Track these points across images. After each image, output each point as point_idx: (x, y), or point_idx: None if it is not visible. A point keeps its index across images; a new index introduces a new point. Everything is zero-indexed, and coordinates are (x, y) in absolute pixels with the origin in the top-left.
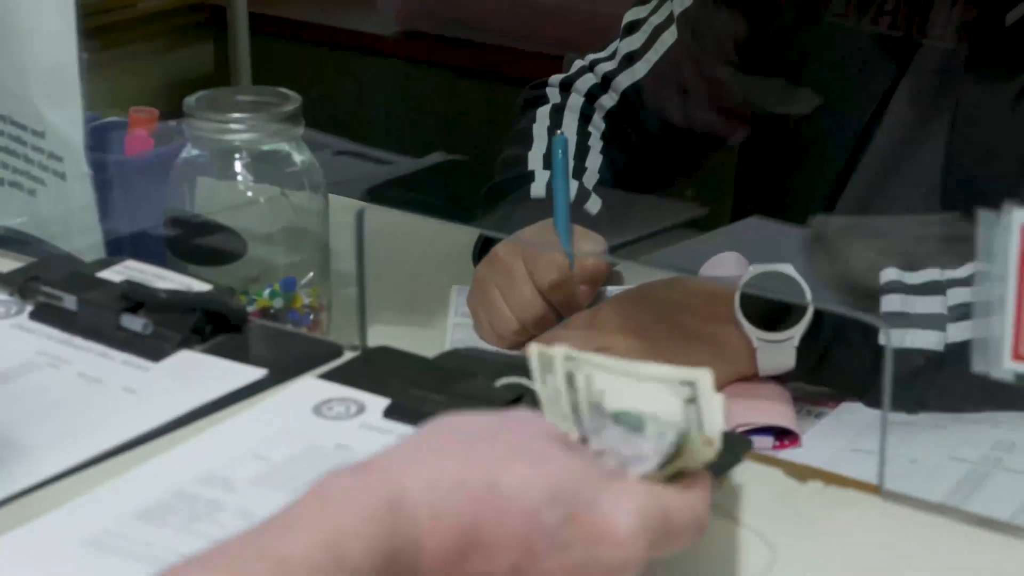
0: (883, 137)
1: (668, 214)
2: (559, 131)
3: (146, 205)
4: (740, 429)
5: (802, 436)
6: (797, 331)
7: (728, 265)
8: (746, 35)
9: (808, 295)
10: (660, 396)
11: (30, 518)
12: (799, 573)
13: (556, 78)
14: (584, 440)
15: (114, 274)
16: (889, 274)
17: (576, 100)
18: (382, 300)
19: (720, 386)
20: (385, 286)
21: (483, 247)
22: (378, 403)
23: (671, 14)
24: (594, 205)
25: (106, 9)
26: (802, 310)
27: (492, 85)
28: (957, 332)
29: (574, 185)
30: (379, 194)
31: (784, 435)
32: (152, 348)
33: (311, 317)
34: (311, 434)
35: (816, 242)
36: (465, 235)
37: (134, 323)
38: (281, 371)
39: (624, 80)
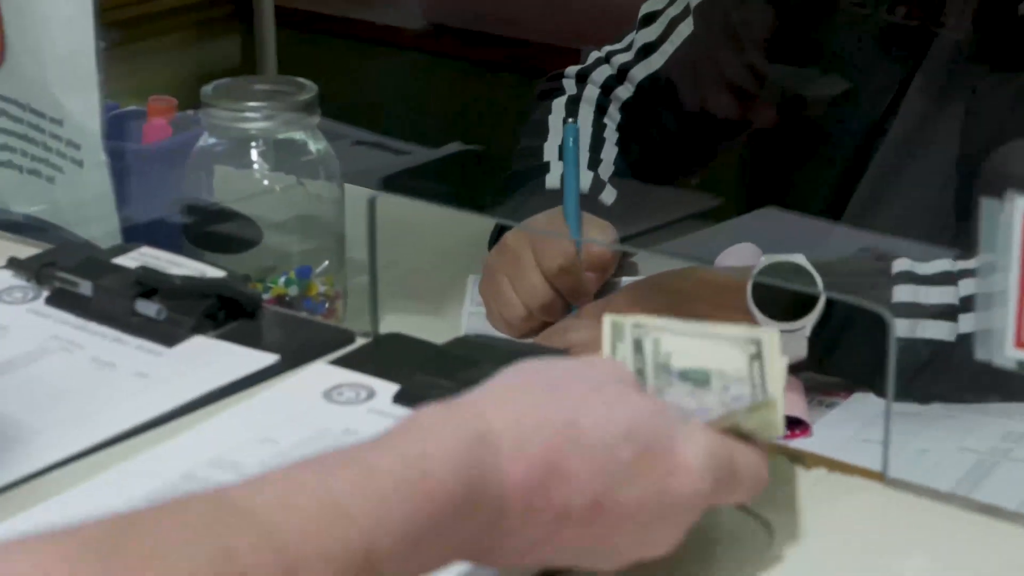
0: (898, 128)
1: (682, 205)
2: (571, 120)
3: (163, 193)
4: None
5: (813, 426)
6: (809, 321)
7: (744, 256)
8: (762, 26)
9: (820, 285)
10: (726, 353)
11: (41, 500)
12: (799, 555)
13: (572, 69)
14: None
15: (129, 260)
16: (901, 264)
17: (592, 91)
18: (399, 289)
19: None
20: (402, 275)
21: (498, 236)
22: (388, 389)
23: (687, 6)
24: (609, 195)
25: (133, 2)
26: (814, 300)
27: (516, 78)
28: (968, 323)
29: (589, 176)
30: (394, 183)
31: (795, 425)
32: (166, 333)
33: (326, 305)
34: (320, 419)
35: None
36: (482, 225)
37: (148, 308)
38: (293, 357)
39: (640, 72)
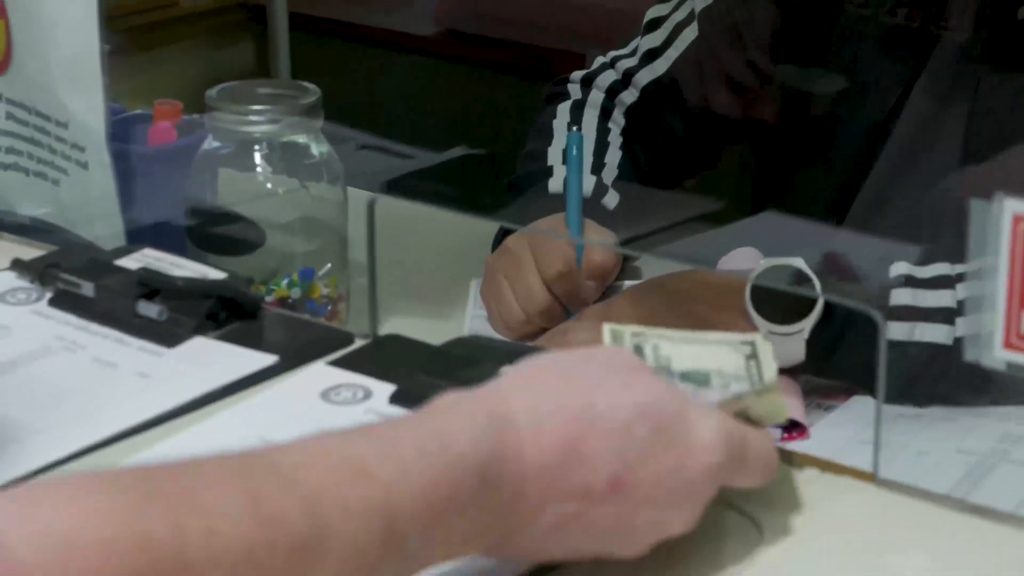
0: (902, 130)
1: (685, 208)
2: (575, 128)
3: (167, 196)
4: None
5: (811, 428)
6: (807, 324)
7: (745, 260)
8: (766, 30)
9: (818, 288)
10: (723, 354)
11: None
12: (787, 554)
13: (578, 74)
14: None
15: (132, 262)
16: (899, 268)
17: (597, 96)
18: (402, 292)
19: None
20: (405, 278)
21: (502, 240)
22: (385, 389)
23: (692, 11)
24: (612, 200)
25: (149, 8)
26: (812, 303)
27: (528, 83)
28: (965, 326)
29: (592, 180)
30: (398, 186)
31: (793, 427)
32: (167, 334)
33: (329, 307)
34: (318, 419)
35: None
36: (486, 229)
37: (150, 310)
38: (292, 358)
39: (644, 76)
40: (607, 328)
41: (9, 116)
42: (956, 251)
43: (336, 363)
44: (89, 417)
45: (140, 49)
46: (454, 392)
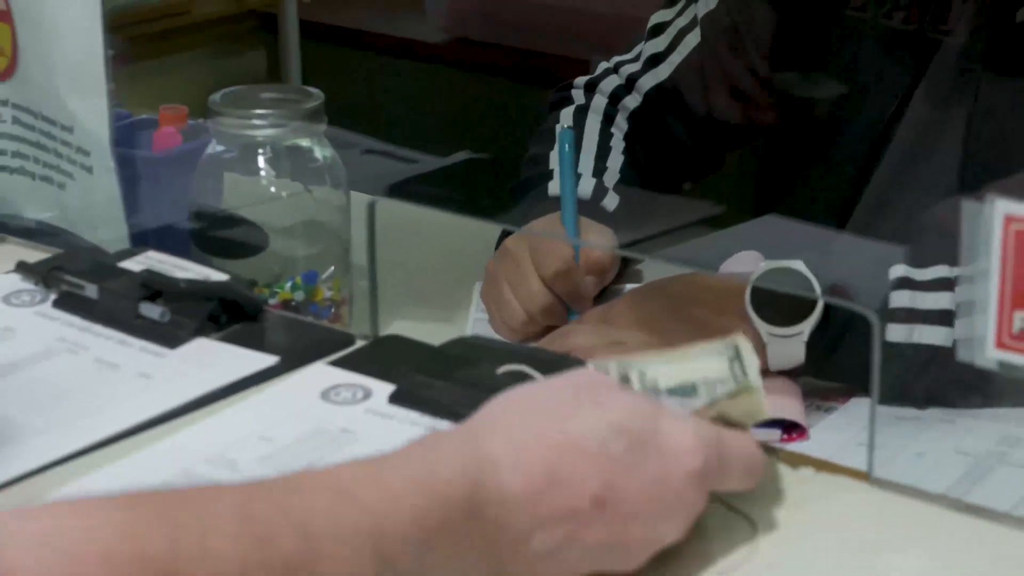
0: (903, 134)
1: (685, 211)
2: (566, 126)
3: (172, 200)
4: None
5: (810, 430)
6: (806, 326)
7: (747, 263)
8: (768, 35)
9: (818, 290)
10: (706, 363)
11: (39, 497)
12: (782, 552)
13: (581, 80)
14: None
15: (135, 264)
16: (898, 270)
17: (600, 101)
18: (406, 295)
19: None
20: (409, 281)
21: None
22: (384, 389)
23: (695, 17)
24: (611, 202)
25: (161, 16)
26: (812, 305)
27: (536, 90)
28: (960, 326)
29: (592, 183)
30: (400, 190)
31: (792, 428)
32: (169, 335)
33: (332, 310)
34: (317, 418)
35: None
36: (490, 232)
37: (152, 311)
38: (293, 358)
39: (648, 81)
40: (590, 364)
41: (15, 121)
42: (956, 254)
43: (336, 363)
44: (90, 417)
45: (152, 56)
46: (435, 433)
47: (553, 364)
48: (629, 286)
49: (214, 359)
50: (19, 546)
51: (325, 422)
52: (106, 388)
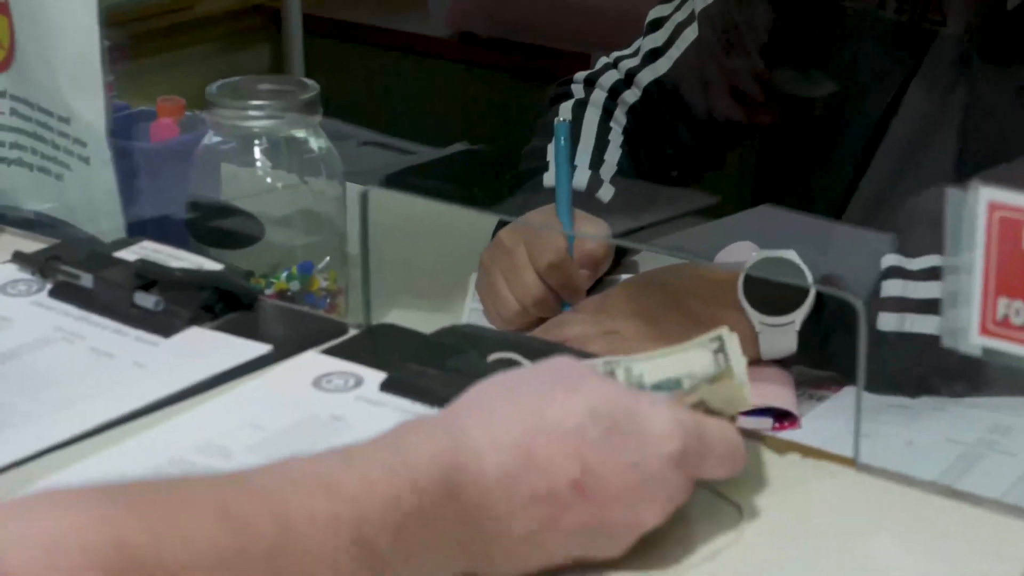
0: (899, 127)
1: (680, 204)
2: (564, 119)
3: (169, 191)
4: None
5: (802, 418)
6: (798, 316)
7: (742, 254)
8: (764, 30)
9: (810, 280)
10: (692, 357)
11: (32, 483)
12: (766, 535)
13: (581, 75)
14: None
15: (131, 254)
16: (889, 260)
17: (599, 95)
18: (403, 286)
19: None
20: (406, 272)
21: None
22: (376, 377)
23: (693, 11)
24: (607, 193)
25: (166, 11)
26: (804, 295)
27: (538, 85)
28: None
29: (588, 175)
30: (396, 181)
31: (784, 417)
32: (163, 324)
33: (328, 300)
34: (309, 405)
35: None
36: (488, 224)
37: (147, 300)
38: (286, 347)
39: (646, 76)
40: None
41: (13, 112)
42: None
43: (329, 351)
44: (84, 405)
45: (158, 52)
46: (414, 420)
47: (543, 352)
48: (624, 277)
49: (208, 348)
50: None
51: (317, 410)
52: (101, 377)
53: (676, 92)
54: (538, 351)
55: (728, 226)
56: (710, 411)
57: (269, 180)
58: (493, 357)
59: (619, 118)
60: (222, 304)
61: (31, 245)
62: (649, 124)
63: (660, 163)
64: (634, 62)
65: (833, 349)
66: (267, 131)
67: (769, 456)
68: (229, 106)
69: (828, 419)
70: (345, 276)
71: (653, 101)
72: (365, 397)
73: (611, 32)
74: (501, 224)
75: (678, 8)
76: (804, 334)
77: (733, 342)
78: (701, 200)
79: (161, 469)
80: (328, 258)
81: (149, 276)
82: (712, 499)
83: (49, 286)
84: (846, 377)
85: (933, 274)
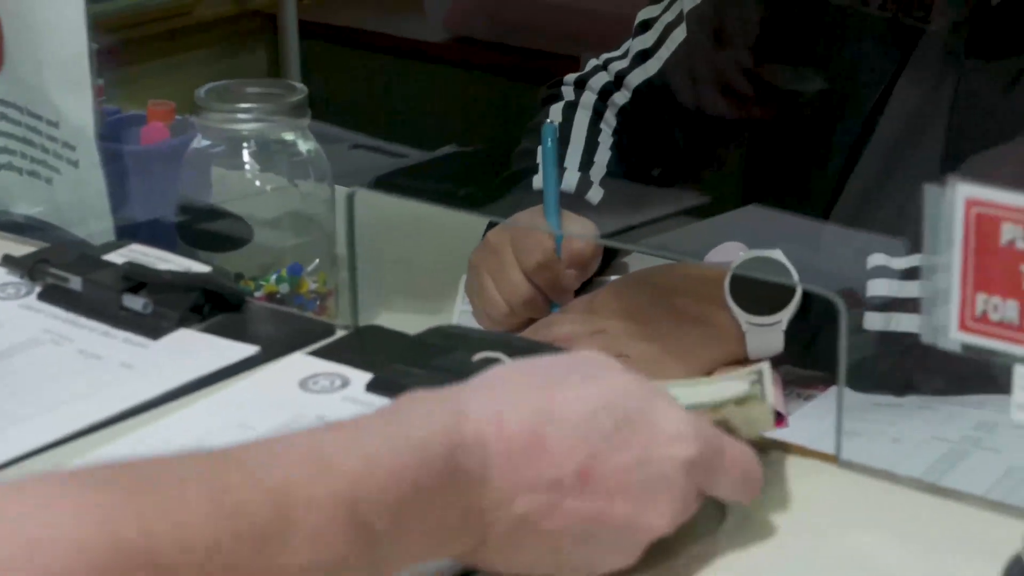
0: (887, 124)
1: (669, 204)
2: (555, 122)
3: (160, 194)
4: None
5: (789, 417)
6: (785, 315)
7: (732, 254)
8: (752, 29)
9: (796, 279)
10: (730, 387)
11: None
12: (750, 532)
13: (571, 77)
14: None
15: (119, 257)
16: (876, 259)
17: (589, 97)
18: (393, 288)
19: (711, 368)
20: (397, 274)
21: None
22: (362, 378)
23: (681, 12)
24: (596, 195)
25: (164, 16)
26: (790, 294)
27: (537, 89)
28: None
29: (577, 176)
30: (386, 183)
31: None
32: (151, 326)
33: (317, 303)
34: (295, 406)
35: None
36: (477, 225)
37: (135, 303)
38: (274, 348)
39: (636, 77)
40: None
41: (2, 116)
42: None
43: (316, 353)
44: (72, 406)
45: (155, 57)
46: (418, 392)
47: (528, 351)
48: (614, 278)
49: (196, 349)
50: None
51: (303, 410)
52: (89, 378)
53: (666, 93)
54: (523, 350)
55: (716, 226)
56: (731, 430)
57: (258, 183)
58: (478, 356)
59: (609, 120)
60: (210, 306)
61: (21, 249)
62: (639, 125)
63: (650, 164)
64: (623, 64)
65: (820, 348)
66: (255, 134)
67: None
68: (217, 109)
69: (815, 418)
70: (334, 278)
71: (643, 102)
72: (351, 398)
73: (609, 34)
74: (491, 226)
75: (667, 9)
76: (791, 333)
77: (769, 375)
78: (690, 200)
79: None
80: (317, 260)
81: (137, 278)
82: None
83: (38, 289)
84: (833, 376)
85: (918, 273)
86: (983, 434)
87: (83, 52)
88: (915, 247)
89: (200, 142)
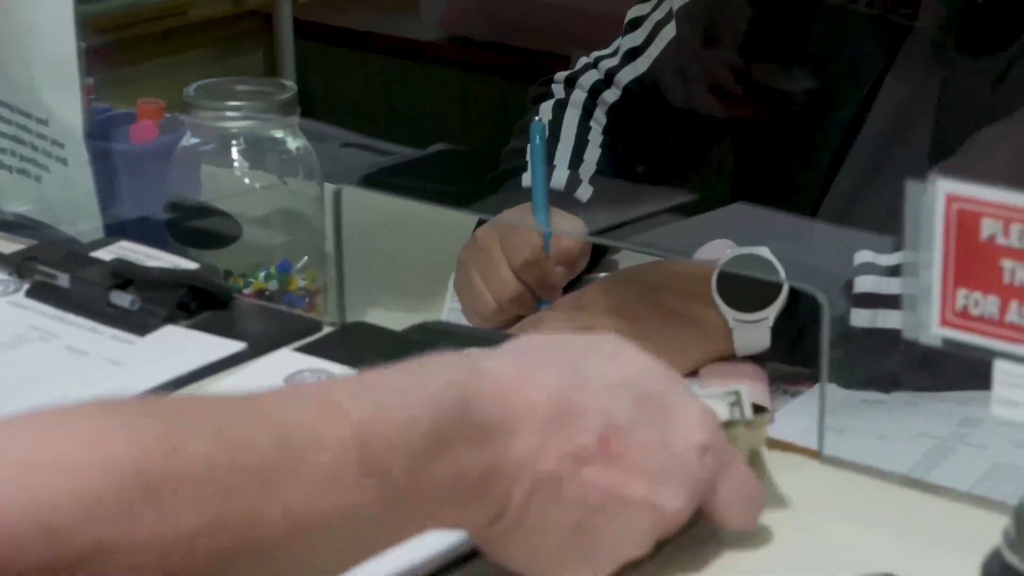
0: (875, 121)
1: (657, 202)
2: (544, 120)
3: (150, 192)
4: None
5: (775, 413)
6: (771, 312)
7: (720, 251)
8: (741, 27)
9: (783, 276)
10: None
11: None
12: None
13: (561, 75)
14: None
15: (107, 254)
16: (863, 256)
17: (579, 95)
18: (382, 285)
19: (698, 365)
20: (386, 271)
21: None
22: (347, 373)
23: (671, 10)
24: (585, 193)
25: (159, 16)
26: (777, 291)
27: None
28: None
29: (566, 174)
30: (375, 181)
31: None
32: (139, 323)
33: (306, 300)
34: None
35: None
36: (467, 223)
37: (122, 299)
38: (260, 345)
39: (626, 75)
40: None
41: None
42: None
43: (302, 349)
44: (56, 402)
45: (151, 57)
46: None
47: None
48: (602, 275)
49: (182, 346)
50: None
51: None
52: (75, 375)
53: (656, 91)
54: None
55: (704, 224)
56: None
57: (247, 180)
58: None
59: (599, 118)
60: (197, 303)
61: (10, 246)
62: (629, 123)
63: (640, 162)
64: (613, 62)
65: (807, 345)
66: (245, 132)
67: None
68: (207, 107)
69: (801, 414)
70: (323, 275)
71: (633, 100)
72: None
73: (607, 34)
74: (481, 223)
75: (656, 7)
76: (778, 330)
77: (746, 395)
78: (679, 198)
79: None
80: (306, 257)
81: (125, 275)
82: None
83: (26, 286)
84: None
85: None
86: (968, 430)
87: (72, 51)
88: (902, 244)
89: (189, 140)
